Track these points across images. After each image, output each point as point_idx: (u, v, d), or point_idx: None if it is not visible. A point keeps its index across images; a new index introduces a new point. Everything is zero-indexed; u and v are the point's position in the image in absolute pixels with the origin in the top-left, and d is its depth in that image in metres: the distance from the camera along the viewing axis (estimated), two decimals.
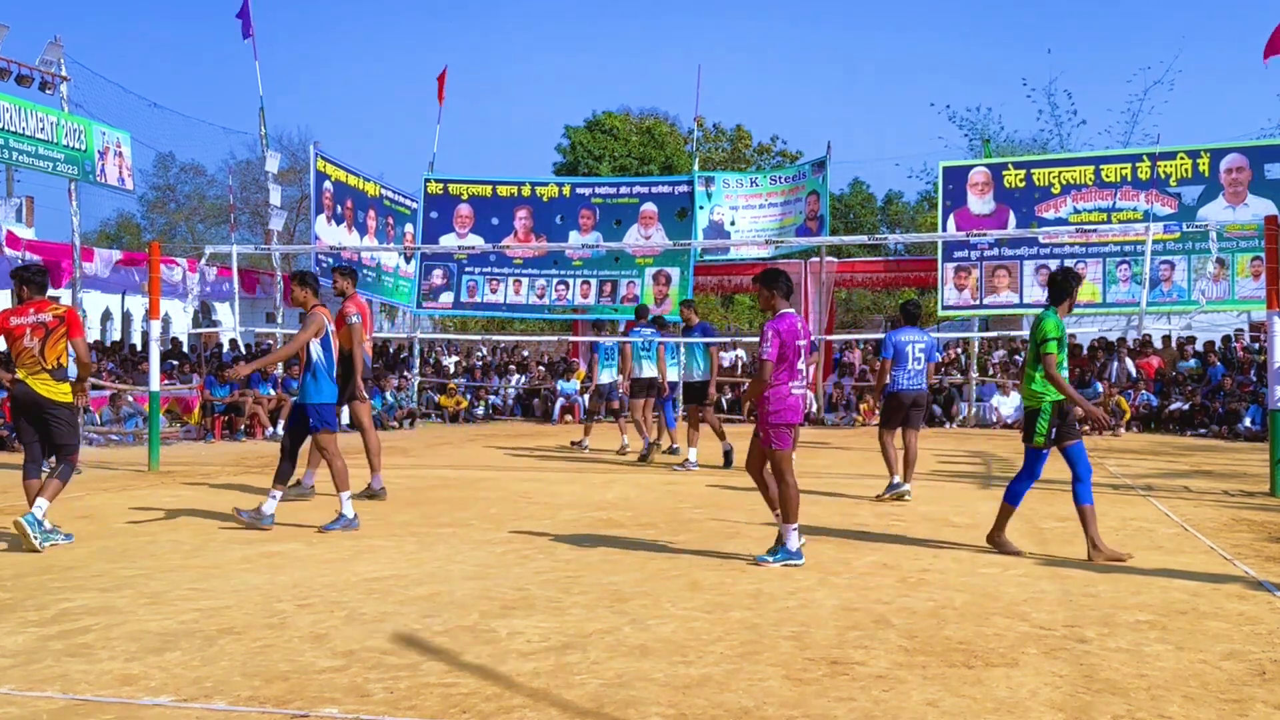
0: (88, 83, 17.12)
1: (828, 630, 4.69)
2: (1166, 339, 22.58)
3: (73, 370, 7.25)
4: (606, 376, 14.20)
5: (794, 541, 6.19)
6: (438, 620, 4.84)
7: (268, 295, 22.41)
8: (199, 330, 25.69)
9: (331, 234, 19.61)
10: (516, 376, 23.57)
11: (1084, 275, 18.50)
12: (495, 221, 22.04)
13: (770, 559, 6.14)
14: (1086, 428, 6.55)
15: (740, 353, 23.40)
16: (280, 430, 12.36)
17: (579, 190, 22.53)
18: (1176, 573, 5.96)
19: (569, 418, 20.55)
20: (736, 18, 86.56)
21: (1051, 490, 9.94)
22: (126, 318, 30.43)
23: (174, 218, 42.18)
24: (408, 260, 22.22)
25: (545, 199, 22.16)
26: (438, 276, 22.15)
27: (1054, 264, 18.94)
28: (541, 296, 21.87)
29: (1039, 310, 6.80)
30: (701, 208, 21.73)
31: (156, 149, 30.05)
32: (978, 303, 19.64)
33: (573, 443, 14.68)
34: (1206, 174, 18.24)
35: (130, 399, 15.71)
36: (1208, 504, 8.99)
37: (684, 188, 22.00)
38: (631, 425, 13.44)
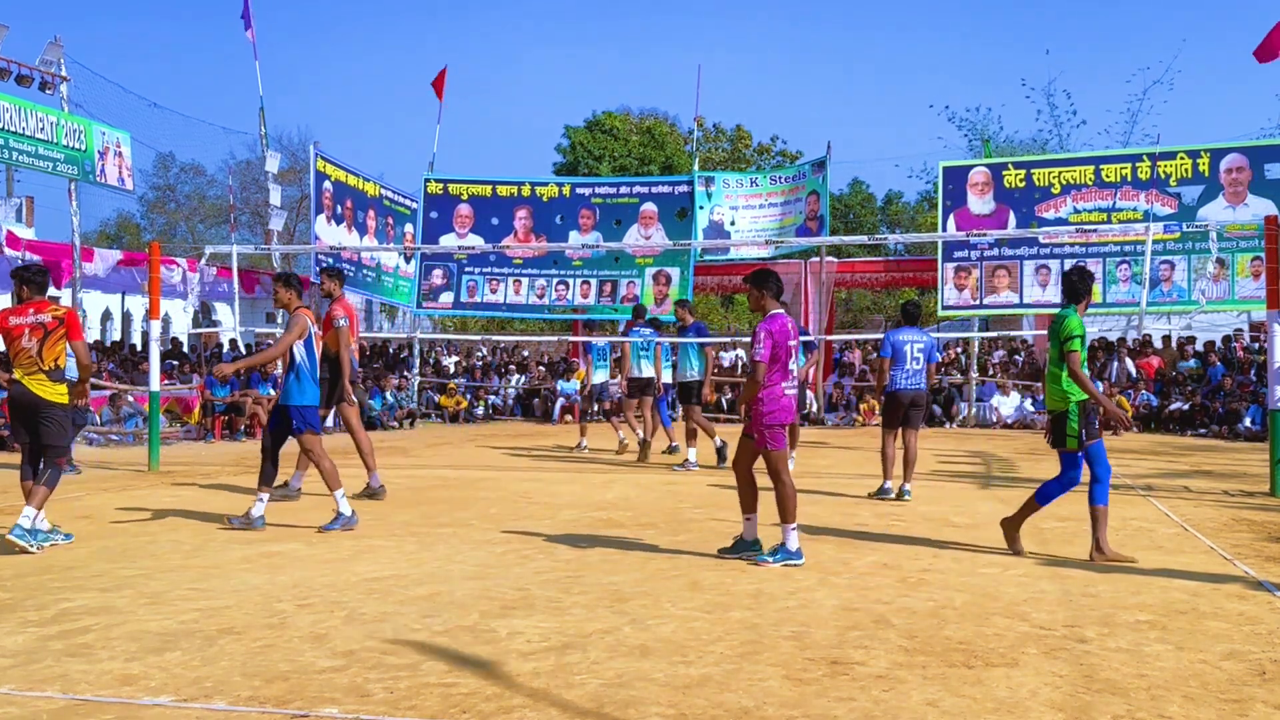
0: (88, 83, 17.14)
1: (828, 630, 4.69)
2: (1166, 339, 22.59)
3: (73, 371, 7.25)
4: (599, 376, 14.24)
5: (793, 541, 6.20)
6: (438, 620, 4.84)
7: (268, 295, 22.35)
8: (199, 330, 25.69)
9: (331, 234, 19.61)
10: (516, 376, 23.58)
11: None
12: (495, 221, 22.05)
13: (770, 559, 6.15)
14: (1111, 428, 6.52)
15: (740, 353, 23.40)
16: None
17: (579, 190, 22.54)
18: (1176, 573, 5.96)
19: (569, 418, 20.55)
20: (736, 18, 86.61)
21: None
22: (126, 318, 30.44)
23: (174, 218, 42.19)
24: (408, 260, 22.22)
25: (545, 199, 22.17)
26: (438, 276, 22.16)
27: (1054, 264, 18.97)
28: (541, 296, 21.87)
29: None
30: (701, 208, 21.73)
31: (156, 149, 30.11)
32: (978, 303, 19.63)
33: (571, 448, 14.68)
34: (1206, 174, 18.24)
35: (130, 399, 15.71)
36: (1208, 504, 8.99)
37: (684, 188, 22.00)
38: (625, 424, 13.46)
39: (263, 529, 7.35)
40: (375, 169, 36.12)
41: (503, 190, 22.28)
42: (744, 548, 6.33)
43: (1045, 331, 21.33)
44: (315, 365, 7.67)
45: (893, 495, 9.23)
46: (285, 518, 7.84)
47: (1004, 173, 19.67)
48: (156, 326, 12.34)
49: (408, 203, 22.79)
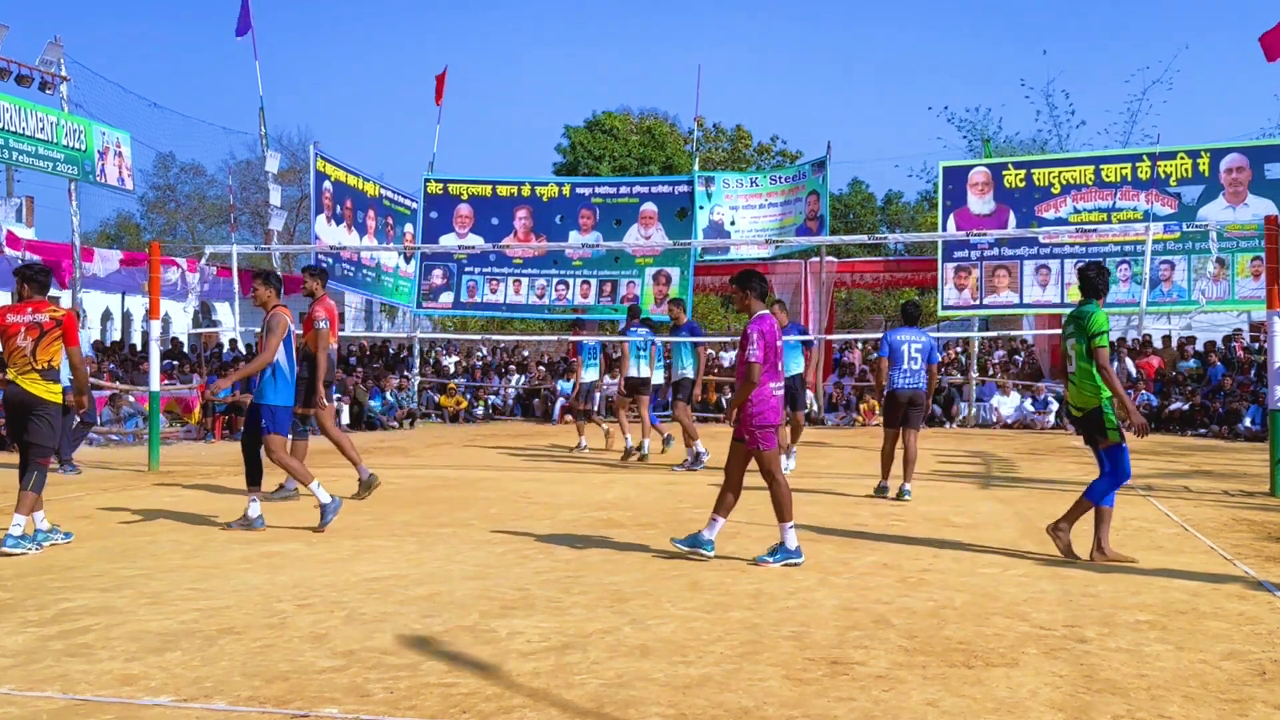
0: (88, 83, 17.16)
1: (828, 630, 4.69)
2: (1166, 339, 22.59)
3: (66, 374, 7.22)
4: (589, 376, 14.30)
5: (792, 540, 6.19)
6: (438, 620, 4.84)
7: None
8: (199, 330, 25.67)
9: (331, 234, 19.61)
10: (516, 376, 23.58)
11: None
12: (495, 221, 22.05)
13: (770, 559, 6.14)
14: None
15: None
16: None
17: (579, 190, 22.54)
18: (1176, 573, 5.96)
19: (569, 418, 20.55)
20: (736, 18, 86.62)
21: (1052, 490, 9.95)
22: (126, 318, 30.44)
23: (174, 218, 42.19)
24: (408, 260, 22.22)
25: (545, 199, 22.17)
26: (438, 276, 22.16)
27: (1054, 264, 18.97)
28: (541, 296, 21.88)
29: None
30: (701, 208, 21.73)
31: (156, 149, 30.11)
32: (978, 303, 19.63)
33: (571, 449, 14.70)
34: (1206, 174, 18.24)
35: (130, 399, 15.71)
36: (1208, 504, 8.99)
37: (684, 188, 22.00)
38: (633, 423, 13.49)
39: (262, 529, 7.36)
40: (375, 169, 36.13)
41: (503, 190, 22.29)
42: (695, 543, 6.30)
43: (1045, 331, 21.13)
44: (293, 365, 7.68)
45: (891, 495, 9.24)
46: (285, 518, 7.84)
47: (1004, 173, 19.67)
48: (156, 326, 12.34)
49: (408, 203, 22.79)
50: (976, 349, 21.50)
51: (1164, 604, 5.21)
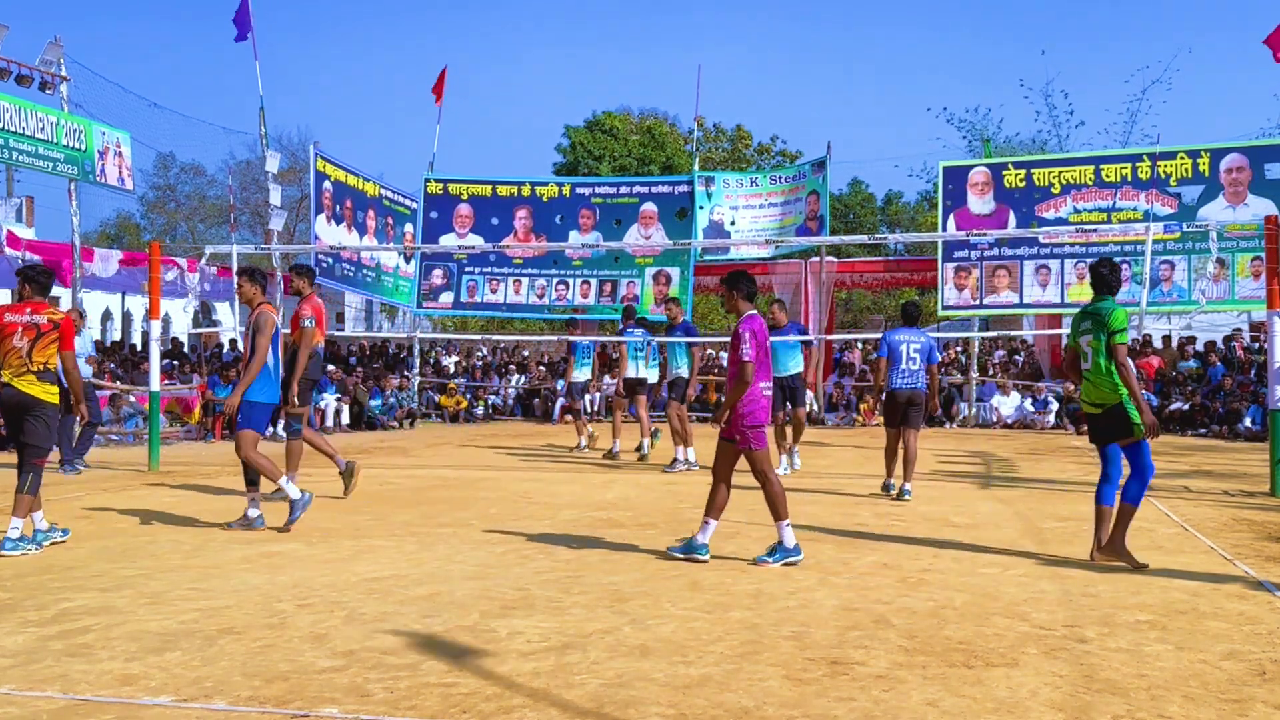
0: (88, 83, 17.16)
1: (828, 630, 4.69)
2: (1166, 339, 22.60)
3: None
4: (581, 375, 14.34)
5: (790, 537, 6.19)
6: (438, 620, 4.84)
7: (267, 295, 22.40)
8: (199, 330, 25.69)
9: (331, 234, 19.61)
10: (516, 376, 23.58)
11: (1085, 275, 18.53)
12: (495, 221, 22.05)
13: (769, 559, 6.14)
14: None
15: None
16: (281, 431, 12.35)
17: (579, 190, 22.54)
18: (1176, 573, 5.96)
19: (569, 418, 20.56)
20: (736, 18, 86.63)
21: (1051, 490, 9.95)
22: (126, 318, 30.46)
23: (174, 218, 42.18)
24: (408, 260, 22.22)
25: (545, 199, 22.17)
26: (438, 276, 22.16)
27: (1054, 264, 18.97)
28: (541, 296, 21.88)
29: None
30: (701, 208, 21.74)
31: (156, 149, 30.09)
32: (978, 303, 19.63)
33: (571, 449, 14.70)
34: (1206, 174, 18.24)
35: (130, 399, 15.71)
36: (1208, 504, 8.99)
37: (684, 188, 22.01)
38: (628, 423, 13.51)
39: (263, 528, 7.36)
40: (375, 169, 36.14)
41: (503, 190, 22.29)
42: (690, 549, 6.30)
43: (1045, 332, 21.09)
44: (278, 363, 7.70)
45: (893, 494, 9.24)
46: (284, 518, 7.82)
47: (1004, 173, 19.68)
48: (156, 326, 12.34)
49: (408, 203, 22.79)
50: (976, 349, 21.50)
51: (1164, 604, 5.21)
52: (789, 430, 11.18)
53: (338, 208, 20.03)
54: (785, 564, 6.10)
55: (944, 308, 19.85)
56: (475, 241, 21.57)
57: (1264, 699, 3.80)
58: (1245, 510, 8.60)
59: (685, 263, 21.23)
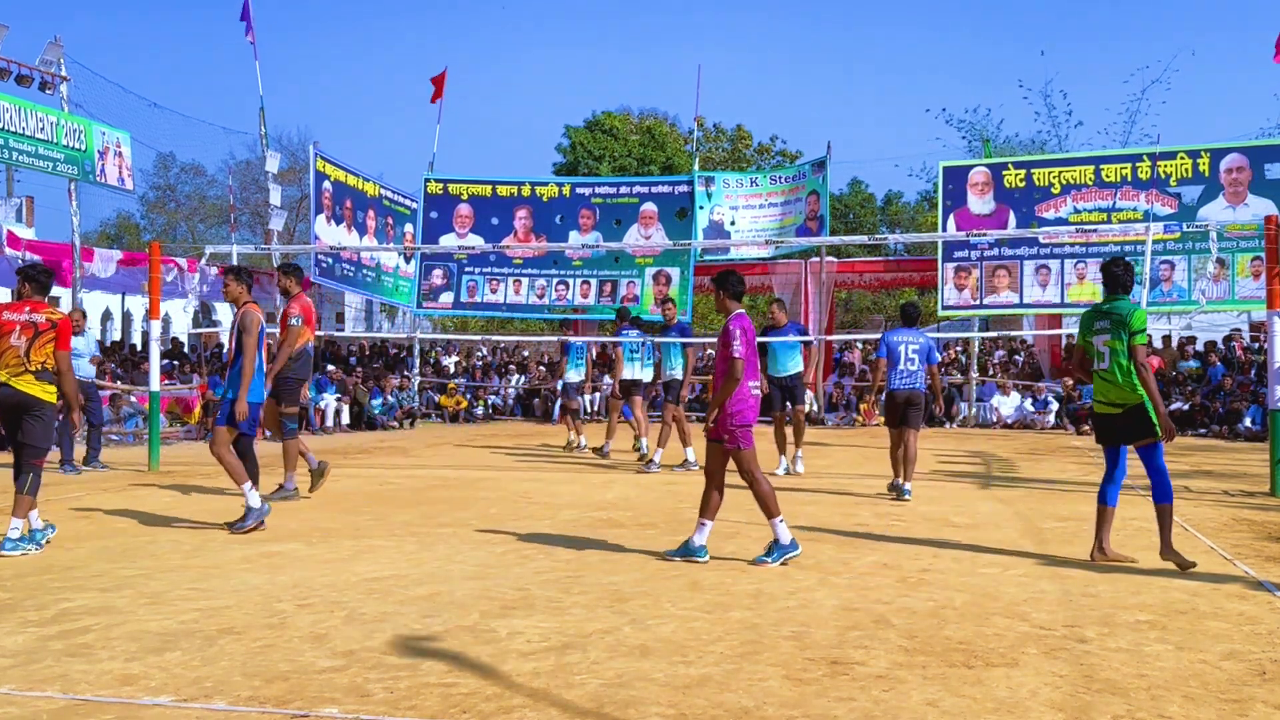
0: (88, 83, 17.15)
1: (828, 630, 4.69)
2: (1166, 339, 22.59)
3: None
4: (574, 375, 14.34)
5: (784, 534, 6.18)
6: (438, 620, 4.84)
7: (267, 296, 22.43)
8: (199, 330, 25.70)
9: (331, 234, 19.61)
10: (516, 376, 23.58)
11: (1085, 275, 18.54)
12: (495, 221, 22.05)
13: (768, 559, 6.13)
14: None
15: None
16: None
17: (579, 190, 22.54)
18: (1176, 573, 5.96)
19: (568, 418, 20.55)
20: (736, 18, 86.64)
21: (1051, 490, 9.95)
22: (126, 318, 30.46)
23: (174, 218, 42.17)
24: (407, 260, 22.22)
25: (545, 199, 22.17)
26: (438, 276, 22.16)
27: (1054, 264, 18.97)
28: (541, 296, 21.88)
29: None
30: (701, 208, 21.73)
31: (156, 149, 30.06)
32: (978, 303, 19.63)
33: (567, 448, 14.70)
34: (1206, 174, 18.24)
35: (130, 399, 15.70)
36: (1208, 504, 8.99)
37: (684, 188, 22.00)
38: (630, 422, 13.52)
39: (264, 522, 7.35)
40: (375, 169, 36.15)
41: (503, 190, 22.29)
42: (688, 551, 6.29)
43: (1045, 332, 21.05)
44: (262, 362, 7.74)
45: (906, 489, 9.18)
46: (285, 518, 7.83)
47: (1004, 173, 19.68)
48: (156, 326, 12.34)
49: (408, 203, 22.79)
50: (976, 349, 21.50)
51: (1164, 604, 5.21)
52: (790, 431, 11.17)
53: (338, 208, 20.04)
54: (785, 561, 6.10)
55: (944, 308, 19.85)
56: (475, 242, 21.57)
57: (1264, 699, 3.80)
58: (1245, 510, 8.61)
59: (685, 263, 21.23)
